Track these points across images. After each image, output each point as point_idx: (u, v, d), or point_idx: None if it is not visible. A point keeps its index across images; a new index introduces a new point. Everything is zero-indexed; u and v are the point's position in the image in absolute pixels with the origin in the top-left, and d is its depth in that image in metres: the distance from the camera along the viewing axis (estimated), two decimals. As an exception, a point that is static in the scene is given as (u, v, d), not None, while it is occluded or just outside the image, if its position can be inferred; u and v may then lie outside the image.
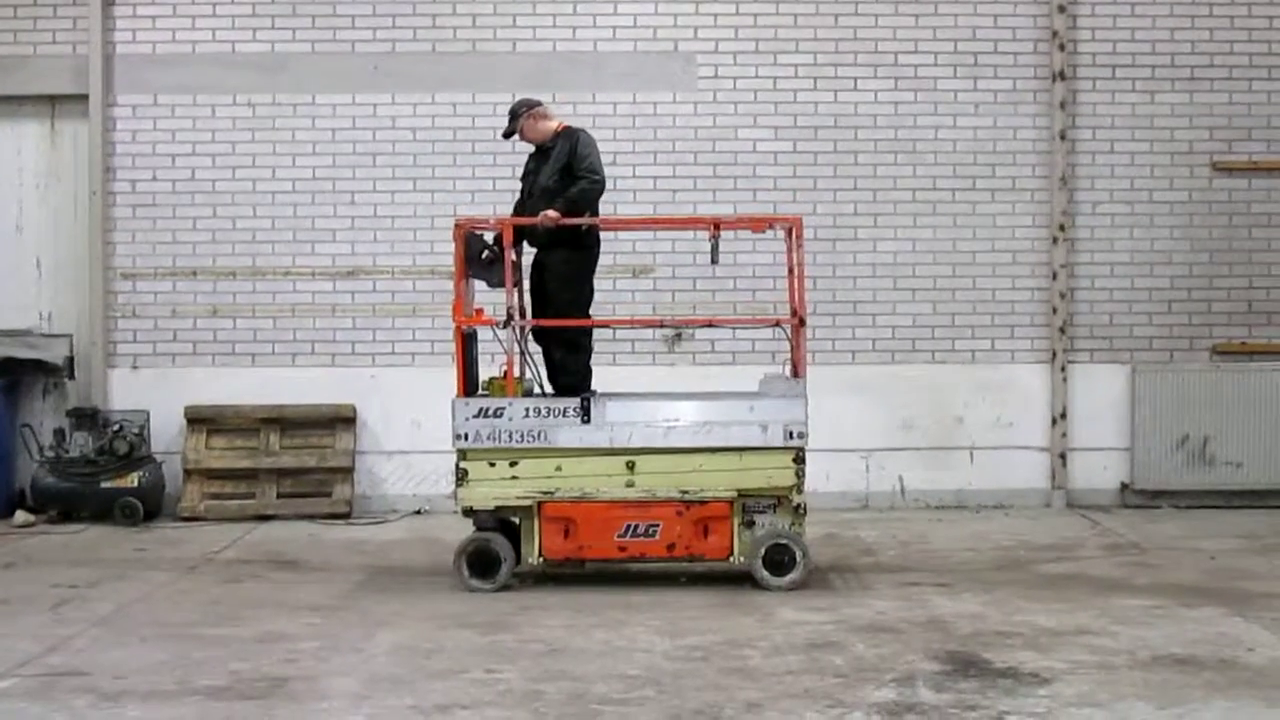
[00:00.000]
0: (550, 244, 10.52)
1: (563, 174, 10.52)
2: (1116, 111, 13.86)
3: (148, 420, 13.42)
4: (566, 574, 10.25)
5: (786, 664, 7.92)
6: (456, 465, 10.07)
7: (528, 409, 10.00)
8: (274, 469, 13.52)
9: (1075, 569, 10.84)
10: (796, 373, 10.25)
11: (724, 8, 13.85)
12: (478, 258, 10.44)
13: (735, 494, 9.99)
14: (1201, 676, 7.64)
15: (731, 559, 10.04)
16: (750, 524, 10.06)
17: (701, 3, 13.84)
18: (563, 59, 13.79)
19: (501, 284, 10.30)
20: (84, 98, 13.69)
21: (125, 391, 13.69)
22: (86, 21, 13.65)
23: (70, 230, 13.96)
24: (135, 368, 13.79)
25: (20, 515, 13.05)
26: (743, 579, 10.03)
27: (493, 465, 9.99)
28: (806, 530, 10.19)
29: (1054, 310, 13.76)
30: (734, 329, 13.00)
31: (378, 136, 13.79)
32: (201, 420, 13.60)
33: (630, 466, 10.01)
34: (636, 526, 9.94)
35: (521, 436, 9.97)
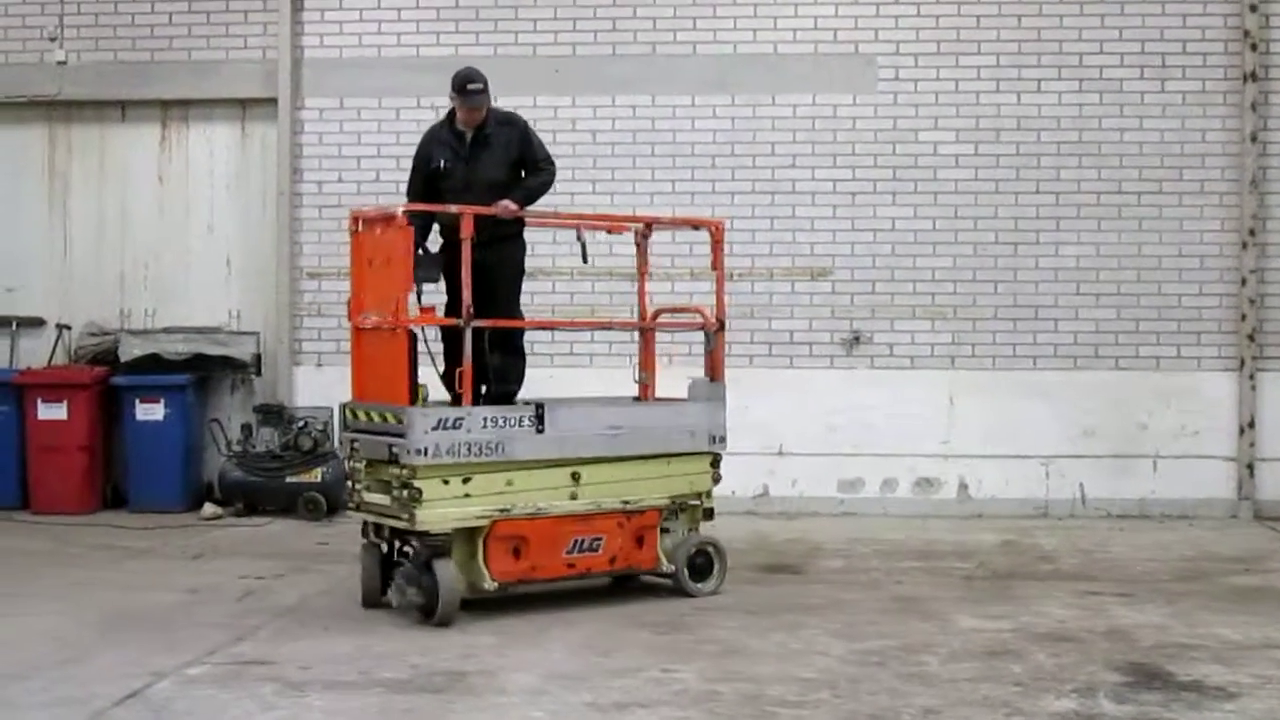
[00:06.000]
0: (495, 240, 9.79)
1: (515, 166, 9.99)
2: (1310, 113, 13.54)
3: (331, 417, 13.64)
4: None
5: (964, 671, 7.83)
6: (407, 483, 8.82)
7: (485, 419, 9.04)
8: (452, 467, 13.65)
9: (1263, 581, 10.58)
10: (714, 376, 9.98)
11: (905, 10, 13.78)
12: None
13: (669, 500, 9.67)
14: (1397, 694, 7.43)
15: (657, 567, 9.69)
16: (665, 530, 9.72)
17: (883, 5, 13.79)
18: (743, 61, 13.80)
19: (437, 279, 9.73)
20: (273, 101, 14.06)
21: (309, 388, 14.01)
22: (276, 27, 14.02)
23: (258, 230, 14.31)
24: (319, 365, 14.08)
25: (208, 508, 13.40)
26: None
27: (446, 483, 8.89)
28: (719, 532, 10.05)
29: (1243, 316, 13.46)
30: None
31: (558, 139, 13.74)
32: (383, 418, 13.78)
33: (575, 478, 9.32)
34: (582, 541, 9.32)
35: (480, 449, 8.97)
